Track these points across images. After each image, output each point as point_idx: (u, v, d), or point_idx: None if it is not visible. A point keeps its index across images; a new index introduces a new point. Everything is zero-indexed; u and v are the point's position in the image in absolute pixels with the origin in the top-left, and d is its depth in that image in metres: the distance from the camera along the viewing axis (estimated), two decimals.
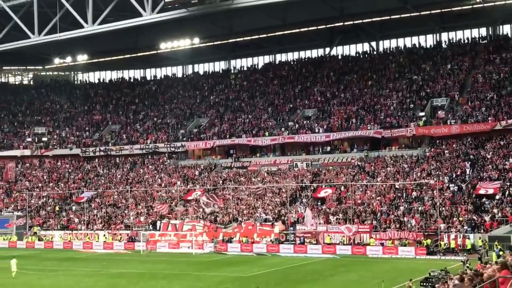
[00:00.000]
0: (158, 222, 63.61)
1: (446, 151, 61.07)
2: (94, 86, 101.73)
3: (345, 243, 52.69)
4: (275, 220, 58.58)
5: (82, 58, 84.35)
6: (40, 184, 79.97)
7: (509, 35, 75.16)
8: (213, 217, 61.86)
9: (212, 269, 45.49)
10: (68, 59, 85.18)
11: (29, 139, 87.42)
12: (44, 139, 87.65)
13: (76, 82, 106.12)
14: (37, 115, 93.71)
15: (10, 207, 76.09)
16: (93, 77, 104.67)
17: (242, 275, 41.43)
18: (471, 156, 58.65)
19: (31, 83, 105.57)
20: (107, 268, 47.08)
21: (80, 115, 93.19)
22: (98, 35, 68.71)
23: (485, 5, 70.22)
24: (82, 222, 68.71)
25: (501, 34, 76.20)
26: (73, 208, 73.35)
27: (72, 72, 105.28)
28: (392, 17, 75.91)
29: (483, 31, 77.70)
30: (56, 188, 78.59)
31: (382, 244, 51.12)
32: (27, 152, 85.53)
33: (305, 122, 72.67)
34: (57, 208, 74.00)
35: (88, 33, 66.37)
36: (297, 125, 72.14)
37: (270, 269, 44.49)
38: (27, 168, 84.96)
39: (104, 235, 64.87)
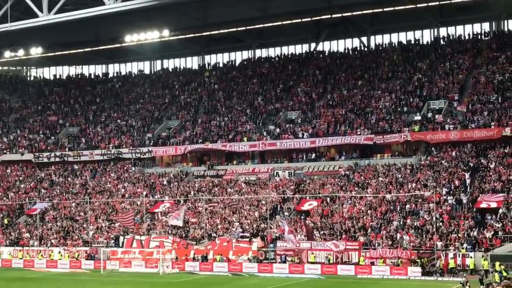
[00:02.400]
0: (121, 238, 63.28)
1: (443, 160, 61.55)
2: (50, 83, 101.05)
3: (331, 261, 52.85)
4: (253, 236, 58.59)
5: (36, 51, 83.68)
6: None
7: None
8: (183, 233, 61.73)
9: None
10: (20, 52, 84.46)
11: None
12: None
13: (29, 78, 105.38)
14: None
15: None
16: (49, 73, 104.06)
17: None
18: (472, 166, 59.17)
19: None
20: None
21: (33, 116, 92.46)
22: (54, 26, 68.23)
23: None
24: (34, 237, 68.13)
25: (505, 29, 77.11)
26: (24, 221, 72.68)
27: (25, 67, 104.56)
28: (385, 9, 76.51)
29: (486, 26, 78.64)
30: (4, 198, 77.82)
31: (372, 263, 51.36)
32: None
33: (287, 126, 72.86)
34: (5, 221, 73.26)
35: (43, 23, 65.86)
36: (278, 130, 72.29)
37: None
38: None
39: (60, 252, 64.36)
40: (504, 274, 40.75)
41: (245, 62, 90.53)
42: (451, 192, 56.63)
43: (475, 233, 50.92)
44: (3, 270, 61.60)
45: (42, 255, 64.56)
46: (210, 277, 53.02)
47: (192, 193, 68.66)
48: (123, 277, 54.30)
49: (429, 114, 67.05)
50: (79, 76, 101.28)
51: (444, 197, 56.15)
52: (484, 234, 50.64)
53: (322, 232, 56.38)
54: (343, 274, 50.88)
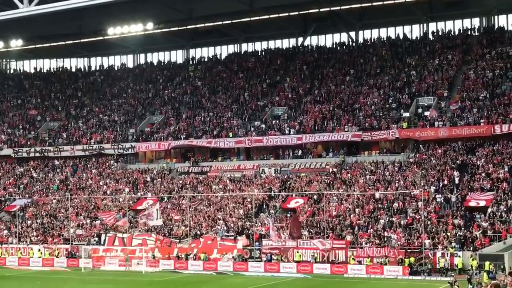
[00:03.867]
0: (103, 236, 63.05)
1: (432, 157, 61.79)
2: (30, 76, 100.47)
3: (317, 260, 52.90)
4: (238, 234, 58.57)
5: (16, 43, 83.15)
6: None
7: (505, 26, 76.42)
8: (166, 231, 61.60)
9: None
10: (0, 45, 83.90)
11: None
12: None
13: (8, 71, 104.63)
14: None
15: None
16: (29, 66, 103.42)
17: None
18: (461, 163, 59.42)
19: None
20: None
21: (13, 110, 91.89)
22: (35, 17, 67.42)
23: None
24: (13, 234, 67.73)
25: (496, 25, 77.43)
26: (3, 218, 72.28)
27: (4, 60, 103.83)
28: (374, 3, 76.47)
29: (476, 21, 78.94)
30: None
31: (359, 262, 51.44)
32: None
33: (274, 122, 72.84)
34: None
35: (24, 14, 65.03)
36: (264, 126, 72.28)
37: None
38: None
39: (40, 250, 64.03)
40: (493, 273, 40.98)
41: (231, 57, 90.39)
42: (440, 190, 56.88)
43: (463, 232, 51.16)
44: None
45: (21, 253, 64.17)
46: (194, 275, 52.95)
47: (175, 190, 68.52)
48: (104, 276, 54.11)
49: (418, 111, 67.26)
50: (61, 69, 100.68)
51: (433, 195, 56.39)
52: (472, 233, 50.89)
53: (308, 230, 56.44)
54: (330, 273, 50.87)
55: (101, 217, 65.13)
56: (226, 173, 69.53)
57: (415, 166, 61.13)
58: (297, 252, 53.97)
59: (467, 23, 79.30)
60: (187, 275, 53.50)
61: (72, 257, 61.20)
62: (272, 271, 52.78)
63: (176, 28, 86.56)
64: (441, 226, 52.58)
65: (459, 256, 48.55)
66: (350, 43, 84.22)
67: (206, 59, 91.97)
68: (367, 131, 65.89)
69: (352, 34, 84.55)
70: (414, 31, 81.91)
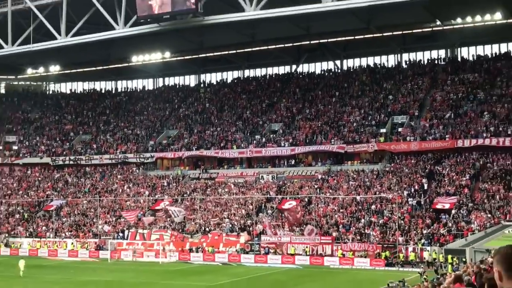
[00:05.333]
0: (126, 231, 62.95)
1: (405, 167, 61.78)
2: (66, 96, 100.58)
3: (307, 253, 52.82)
4: (241, 230, 58.49)
5: (55, 68, 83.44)
6: (9, 192, 78.58)
7: (466, 57, 76.62)
8: (180, 227, 61.52)
9: (178, 278, 45.22)
10: (41, 70, 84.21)
11: (0, 147, 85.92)
12: (15, 147, 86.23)
13: (48, 92, 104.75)
14: (8, 123, 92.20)
15: None
16: (65, 87, 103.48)
17: (208, 284, 41.24)
18: (429, 172, 59.44)
19: (3, 92, 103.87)
20: (74, 276, 46.41)
21: (51, 125, 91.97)
22: (70, 47, 68.02)
23: (444, 28, 71.73)
24: (50, 230, 67.63)
25: (459, 56, 77.61)
26: (42, 216, 72.17)
27: (44, 83, 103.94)
28: (356, 37, 76.80)
29: (442, 53, 79.01)
30: (25, 196, 77.29)
31: (343, 255, 51.37)
32: None
33: (271, 136, 72.86)
34: (26, 216, 72.72)
35: (61, 44, 65.69)
36: (263, 139, 72.29)
37: (235, 278, 44.38)
38: None
39: (72, 243, 63.94)
40: (456, 265, 40.88)
41: (235, 81, 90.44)
42: (411, 194, 56.83)
43: (431, 230, 51.12)
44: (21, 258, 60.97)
45: (57, 246, 64.09)
46: (202, 266, 52.84)
47: (188, 192, 68.45)
48: (127, 265, 54.00)
49: (393, 127, 67.25)
50: (92, 90, 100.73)
51: (405, 198, 56.33)
52: (439, 231, 50.84)
53: (299, 228, 56.35)
54: (317, 264, 50.77)
55: (124, 216, 65.07)
56: (231, 179, 69.47)
57: (390, 174, 61.11)
58: (292, 246, 53.90)
59: (434, 54, 79.36)
60: (196, 265, 53.40)
61: (99, 249, 61.16)
62: (272, 262, 52.69)
63: (189, 57, 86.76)
64: (412, 225, 52.52)
65: (427, 251, 48.50)
66: (336, 70, 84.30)
67: (214, 83, 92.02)
68: (350, 144, 65.87)
69: (338, 62, 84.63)
70: (390, 60, 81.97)
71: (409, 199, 56.06)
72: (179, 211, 60.78)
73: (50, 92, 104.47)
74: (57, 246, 64.03)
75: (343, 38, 77.58)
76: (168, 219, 62.57)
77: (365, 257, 50.14)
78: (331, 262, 50.81)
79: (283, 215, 59.61)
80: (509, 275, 4.77)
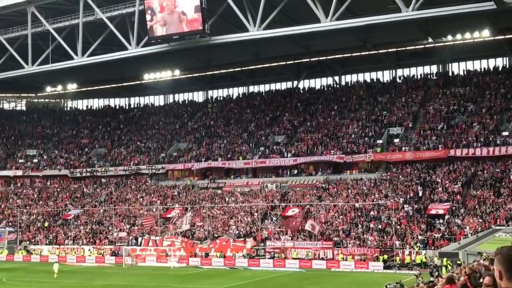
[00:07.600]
0: (140, 238, 62.92)
1: (400, 175, 61.68)
2: (82, 112, 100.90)
3: (310, 257, 52.66)
4: (247, 236, 58.38)
5: (72, 86, 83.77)
6: (30, 202, 78.72)
7: (457, 72, 76.66)
8: (190, 234, 61.46)
9: (189, 282, 45.14)
10: (59, 88, 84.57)
11: (21, 161, 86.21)
12: (35, 160, 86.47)
13: (66, 108, 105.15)
14: (29, 138, 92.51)
15: (2, 223, 74.64)
16: (82, 104, 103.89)
17: (218, 287, 41.14)
18: (423, 180, 59.32)
19: (24, 109, 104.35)
20: (91, 280, 46.38)
21: (69, 139, 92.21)
22: (87, 66, 68.49)
23: (435, 45, 71.87)
24: (69, 237, 67.66)
25: (450, 71, 77.67)
26: (61, 225, 72.23)
27: (62, 100, 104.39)
28: (353, 54, 77.07)
29: (434, 68, 79.08)
30: (45, 206, 77.39)
31: (343, 259, 51.20)
32: (19, 173, 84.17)
33: (275, 147, 72.87)
34: (46, 225, 72.80)
35: (78, 64, 66.13)
36: (268, 150, 72.32)
37: (243, 281, 44.28)
38: (18, 187, 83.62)
39: (89, 250, 63.92)
40: (449, 268, 40.70)
41: (240, 96, 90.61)
42: (407, 201, 56.70)
43: (426, 235, 50.94)
44: (42, 264, 61.07)
45: (75, 252, 64.09)
46: (211, 270, 52.75)
47: (197, 201, 68.44)
48: (140, 270, 53.94)
49: (389, 139, 67.20)
50: (107, 106, 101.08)
51: (401, 205, 56.20)
52: (433, 235, 50.68)
53: (303, 234, 56.25)
54: (319, 268, 50.64)
55: (142, 222, 64.81)
56: (237, 188, 69.43)
57: (387, 182, 61.00)
58: (294, 250, 53.78)
59: (427, 69, 79.42)
60: (206, 269, 53.29)
61: (115, 255, 61.09)
62: (277, 266, 52.59)
63: (198, 74, 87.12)
64: (408, 230, 52.37)
65: (423, 254, 48.31)
66: (335, 85, 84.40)
67: (221, 98, 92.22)
68: (348, 154, 65.84)
69: (336, 78, 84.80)
70: (385, 75, 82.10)
71: (405, 206, 55.92)
72: (186, 218, 60.47)
73: (68, 108, 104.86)
74: (75, 252, 63.97)
75: (341, 56, 77.83)
76: (178, 229, 62.23)
77: (364, 260, 49.97)
78: (332, 265, 50.64)
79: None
80: (509, 276, 4.73)
